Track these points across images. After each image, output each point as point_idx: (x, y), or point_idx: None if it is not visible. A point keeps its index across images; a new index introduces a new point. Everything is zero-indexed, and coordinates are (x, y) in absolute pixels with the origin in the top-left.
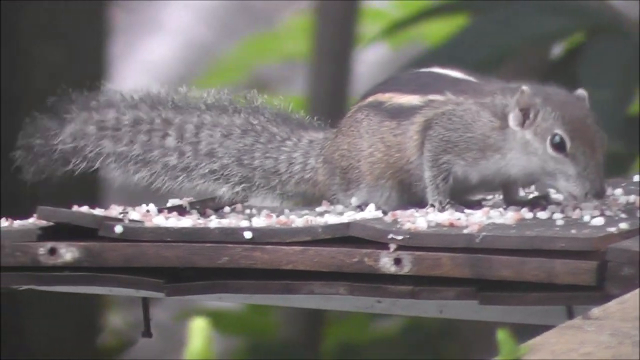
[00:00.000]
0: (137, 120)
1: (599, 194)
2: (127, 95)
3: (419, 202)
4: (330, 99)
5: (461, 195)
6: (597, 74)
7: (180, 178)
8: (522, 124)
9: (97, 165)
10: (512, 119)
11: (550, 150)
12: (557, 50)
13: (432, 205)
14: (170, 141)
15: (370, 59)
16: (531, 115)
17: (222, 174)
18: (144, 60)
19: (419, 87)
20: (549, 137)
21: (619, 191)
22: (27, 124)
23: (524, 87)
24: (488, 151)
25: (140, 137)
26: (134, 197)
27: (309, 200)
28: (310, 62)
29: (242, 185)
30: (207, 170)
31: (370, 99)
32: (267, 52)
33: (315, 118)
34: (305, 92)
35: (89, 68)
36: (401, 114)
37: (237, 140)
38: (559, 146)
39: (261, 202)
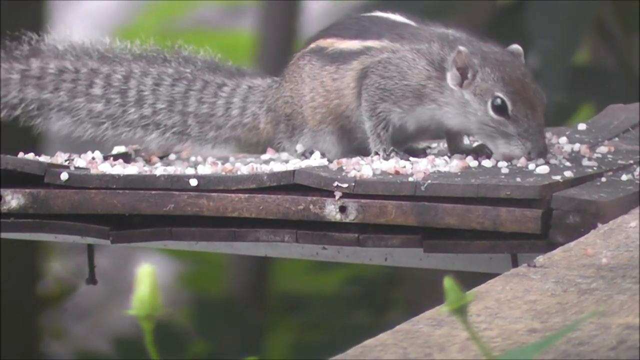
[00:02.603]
0: (62, 70)
1: (542, 153)
2: (51, 45)
3: (362, 149)
4: (280, 42)
5: (405, 143)
6: (542, 23)
7: (105, 125)
8: (461, 84)
9: (18, 111)
10: (450, 78)
11: (491, 112)
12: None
13: (377, 154)
14: (97, 90)
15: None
16: (469, 76)
17: (152, 120)
18: (85, 8)
19: (359, 32)
20: (489, 100)
21: (563, 140)
22: None
23: (461, 48)
24: (424, 99)
25: (65, 85)
26: (79, 146)
27: (248, 145)
28: (258, 4)
29: (174, 130)
30: (136, 116)
31: (313, 45)
32: None
33: (261, 65)
34: (254, 33)
35: (27, 16)
36: (340, 58)
37: (170, 87)
38: (500, 109)
39: (198, 149)
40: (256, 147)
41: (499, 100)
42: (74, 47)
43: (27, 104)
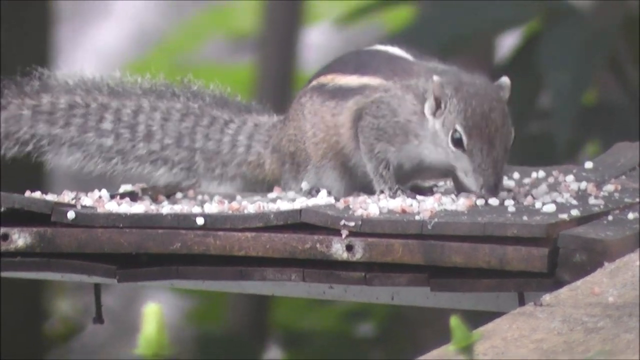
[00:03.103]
0: (73, 105)
1: (492, 191)
2: (62, 80)
3: (366, 186)
4: (280, 78)
5: (410, 181)
6: (557, 58)
7: (115, 160)
8: (434, 113)
9: (29, 147)
10: (427, 107)
11: (450, 144)
12: (517, 37)
13: (382, 192)
14: (107, 124)
15: (317, 42)
16: (442, 106)
17: (160, 156)
18: (93, 46)
19: (358, 67)
20: (450, 132)
21: (570, 178)
22: None
23: (435, 77)
24: (410, 135)
25: (75, 120)
26: (85, 184)
27: (253, 183)
28: (258, 39)
29: (181, 166)
30: (144, 152)
31: (314, 82)
32: (213, 29)
33: (261, 98)
34: (253, 69)
35: (34, 54)
36: (339, 94)
37: (177, 123)
38: (458, 142)
39: (205, 187)
40: (262, 184)
41: (457, 134)
42: (84, 81)
43: (38, 139)
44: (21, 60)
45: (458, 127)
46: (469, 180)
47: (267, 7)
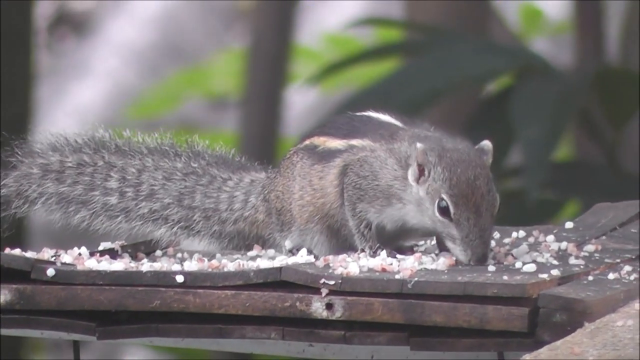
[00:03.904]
0: (81, 163)
1: (480, 261)
2: (72, 139)
3: (349, 247)
4: (262, 139)
5: (393, 241)
6: (526, 113)
7: (119, 218)
8: (418, 180)
9: (38, 206)
10: (410, 173)
11: (437, 213)
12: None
13: (363, 251)
14: (113, 183)
15: (301, 100)
16: (426, 173)
17: (161, 215)
18: (72, 103)
19: (349, 132)
20: (436, 201)
21: (550, 238)
22: None
23: (419, 144)
24: (392, 199)
25: (83, 178)
26: (64, 241)
27: (245, 239)
28: (241, 101)
29: (181, 225)
30: (146, 210)
31: (307, 141)
32: (192, 89)
33: (245, 157)
34: (236, 130)
35: (15, 112)
36: (327, 157)
37: (178, 182)
38: (445, 211)
39: (199, 243)
40: (258, 241)
41: (443, 203)
42: (93, 139)
43: (47, 198)
44: (4, 118)
45: (444, 196)
46: (457, 250)
47: (250, 68)
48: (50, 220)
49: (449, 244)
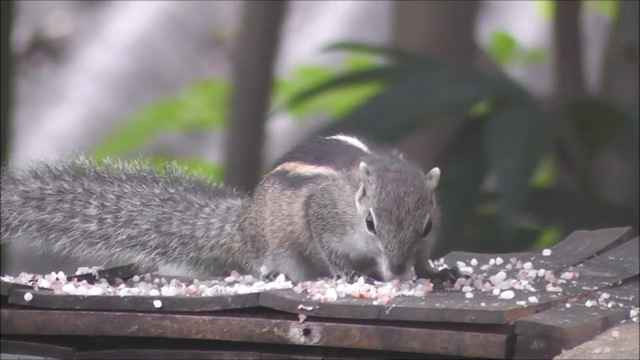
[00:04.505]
0: (61, 190)
1: (395, 270)
2: (52, 166)
3: (322, 273)
4: (246, 168)
5: (369, 266)
6: (502, 142)
7: (99, 245)
8: (360, 200)
9: (19, 233)
10: (357, 195)
11: (366, 228)
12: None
13: (339, 277)
14: (92, 210)
15: (281, 128)
16: (365, 192)
17: (139, 241)
18: (48, 130)
19: (317, 157)
20: (366, 216)
21: (528, 265)
22: None
23: (362, 164)
24: (347, 226)
25: (63, 206)
26: (42, 266)
27: (222, 266)
28: (224, 131)
29: (158, 251)
30: (125, 237)
31: (279, 167)
32: (168, 119)
33: (231, 187)
34: (218, 160)
35: None
36: (296, 183)
37: (156, 208)
38: (370, 225)
39: (176, 269)
40: (234, 268)
41: (370, 217)
42: (73, 167)
43: (27, 225)
44: None
45: (370, 210)
46: (381, 264)
47: (233, 100)
48: (28, 246)
49: (378, 261)
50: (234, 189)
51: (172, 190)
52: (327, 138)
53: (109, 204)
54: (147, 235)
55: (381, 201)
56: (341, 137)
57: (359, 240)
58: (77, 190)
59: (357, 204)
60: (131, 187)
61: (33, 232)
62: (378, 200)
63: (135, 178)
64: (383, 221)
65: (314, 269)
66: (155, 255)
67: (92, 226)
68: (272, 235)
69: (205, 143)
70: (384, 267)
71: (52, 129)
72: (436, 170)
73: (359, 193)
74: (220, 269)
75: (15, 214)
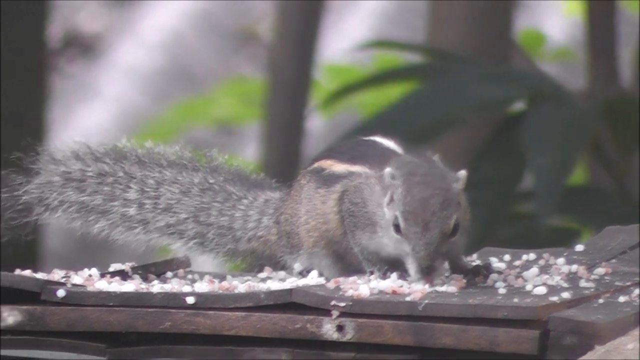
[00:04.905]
0: (102, 173)
1: (423, 272)
2: (94, 148)
3: (357, 270)
4: (283, 167)
5: (402, 263)
6: (537, 140)
7: (137, 229)
8: (388, 205)
9: (59, 213)
10: (385, 200)
11: (393, 232)
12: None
13: (372, 273)
14: (132, 194)
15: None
16: (392, 197)
17: (177, 229)
18: (81, 126)
19: (353, 157)
20: (393, 219)
21: (561, 261)
22: None
23: (387, 169)
24: (376, 226)
25: (103, 188)
26: (75, 262)
27: (259, 258)
28: (261, 128)
29: (195, 241)
30: (163, 224)
31: (316, 164)
32: (199, 116)
33: (273, 179)
34: (254, 158)
35: (27, 133)
36: (329, 181)
37: (195, 198)
38: (397, 228)
39: (212, 260)
40: (270, 261)
41: (396, 220)
42: (115, 149)
43: (67, 206)
44: (15, 139)
45: (397, 214)
46: (409, 267)
47: (271, 95)
48: (61, 242)
49: (406, 264)
50: (273, 179)
51: (211, 180)
52: (365, 139)
53: (148, 189)
54: (185, 225)
55: (407, 204)
56: (378, 139)
57: (387, 243)
58: (118, 173)
59: (385, 209)
60: (171, 174)
61: (72, 213)
62: (404, 204)
63: (175, 165)
64: (409, 223)
65: (350, 266)
66: (193, 244)
67: (131, 210)
68: (307, 235)
69: (238, 140)
70: (412, 269)
71: (84, 126)
72: (463, 173)
73: (386, 199)
74: (257, 261)
75: (56, 195)
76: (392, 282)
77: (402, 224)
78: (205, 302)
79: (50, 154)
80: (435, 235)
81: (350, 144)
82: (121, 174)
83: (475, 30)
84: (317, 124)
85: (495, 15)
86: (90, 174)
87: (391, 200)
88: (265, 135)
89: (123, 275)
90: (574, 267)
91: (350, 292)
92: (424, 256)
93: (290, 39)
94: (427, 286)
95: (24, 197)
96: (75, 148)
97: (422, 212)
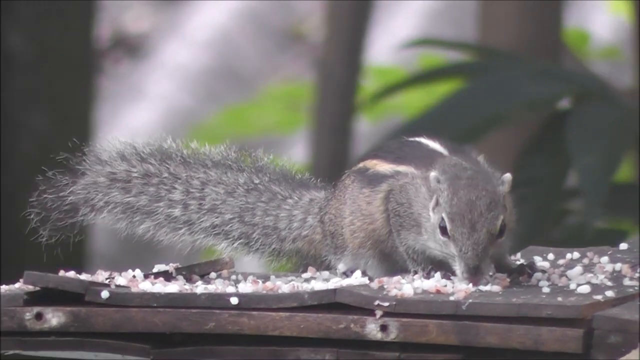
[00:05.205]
0: (147, 173)
1: (471, 273)
2: (139, 148)
3: (402, 269)
4: (331, 169)
5: (448, 263)
6: (583, 139)
7: (182, 230)
8: (434, 209)
9: (104, 214)
10: (431, 204)
11: (439, 234)
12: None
13: (416, 272)
14: (177, 195)
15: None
16: (438, 200)
17: (222, 230)
18: (127, 126)
19: (399, 157)
20: (439, 221)
21: (605, 259)
22: (40, 182)
23: (432, 173)
24: (421, 228)
25: (148, 189)
26: (119, 264)
27: (304, 258)
28: (311, 132)
29: (240, 241)
30: (208, 224)
31: (360, 164)
32: (248, 121)
33: (319, 179)
34: (303, 160)
35: (74, 133)
36: (375, 181)
37: (240, 198)
38: (444, 230)
39: (258, 260)
40: (315, 261)
41: (443, 222)
42: (160, 150)
43: (112, 207)
44: (62, 140)
45: (444, 215)
46: (456, 268)
47: (319, 99)
48: (105, 243)
49: (453, 265)
50: (318, 179)
51: (256, 181)
52: (410, 139)
53: (193, 190)
54: (230, 225)
55: (453, 206)
56: (423, 140)
57: (433, 246)
58: (163, 174)
59: (431, 213)
60: (216, 175)
61: (118, 213)
62: (450, 206)
63: (220, 165)
64: (456, 225)
65: (395, 266)
66: (238, 245)
67: (176, 211)
68: (352, 236)
69: (286, 145)
70: (459, 270)
71: (131, 126)
72: (508, 176)
73: (432, 203)
74: (302, 260)
75: (101, 195)
76: (435, 282)
77: (448, 225)
78: (250, 303)
79: (96, 154)
80: (483, 236)
81: (396, 145)
82: (166, 174)
83: (525, 28)
84: (365, 127)
85: (545, 13)
86: (136, 174)
87: (437, 204)
88: (314, 136)
89: (167, 276)
90: (618, 266)
91: (394, 292)
92: (472, 257)
93: (340, 39)
94: (470, 286)
95: (70, 198)
96: (120, 148)
97: (468, 212)
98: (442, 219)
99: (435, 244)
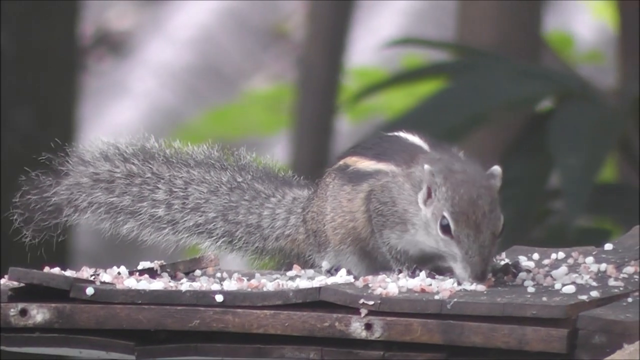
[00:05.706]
0: (130, 174)
1: (479, 277)
2: (122, 148)
3: (384, 267)
4: (312, 169)
5: (430, 262)
6: (565, 139)
7: (166, 230)
8: (425, 202)
9: (87, 214)
10: (420, 196)
11: (439, 232)
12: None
13: (400, 271)
14: (160, 195)
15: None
16: (432, 194)
17: (206, 228)
18: (111, 123)
19: (378, 153)
20: (439, 220)
21: (590, 259)
22: (24, 183)
23: (426, 166)
24: (408, 224)
25: (131, 189)
26: (104, 260)
27: (287, 256)
28: (292, 131)
29: (224, 239)
30: (192, 223)
31: (341, 162)
32: (230, 122)
33: (301, 178)
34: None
35: (58, 130)
36: (355, 179)
37: (223, 196)
38: (446, 229)
39: (241, 258)
40: (298, 258)
41: (444, 221)
42: (143, 150)
43: (95, 207)
44: (46, 138)
45: (446, 214)
46: (458, 268)
47: (300, 95)
48: (90, 241)
49: (452, 264)
50: (301, 177)
51: (239, 179)
52: (389, 135)
53: (177, 189)
54: (213, 224)
55: (456, 205)
56: (402, 134)
57: (424, 240)
58: (146, 174)
59: (422, 206)
60: (199, 174)
61: (102, 214)
62: (452, 204)
63: (203, 164)
64: (461, 226)
65: (376, 264)
66: (222, 243)
67: (160, 211)
68: (333, 232)
69: (268, 146)
70: (463, 273)
71: (114, 123)
72: (498, 169)
73: (422, 195)
74: (285, 259)
75: (85, 196)
76: (420, 281)
77: (453, 226)
78: (234, 300)
79: (79, 155)
80: (488, 238)
81: (374, 140)
82: (149, 174)
83: (504, 28)
84: (347, 126)
85: (524, 13)
86: (119, 175)
87: (429, 197)
88: (295, 135)
89: (152, 273)
90: (603, 266)
91: (378, 291)
92: (479, 261)
93: (321, 39)
94: (455, 284)
95: (53, 199)
96: (103, 149)
97: (472, 213)
98: (444, 217)
99: (427, 238)
